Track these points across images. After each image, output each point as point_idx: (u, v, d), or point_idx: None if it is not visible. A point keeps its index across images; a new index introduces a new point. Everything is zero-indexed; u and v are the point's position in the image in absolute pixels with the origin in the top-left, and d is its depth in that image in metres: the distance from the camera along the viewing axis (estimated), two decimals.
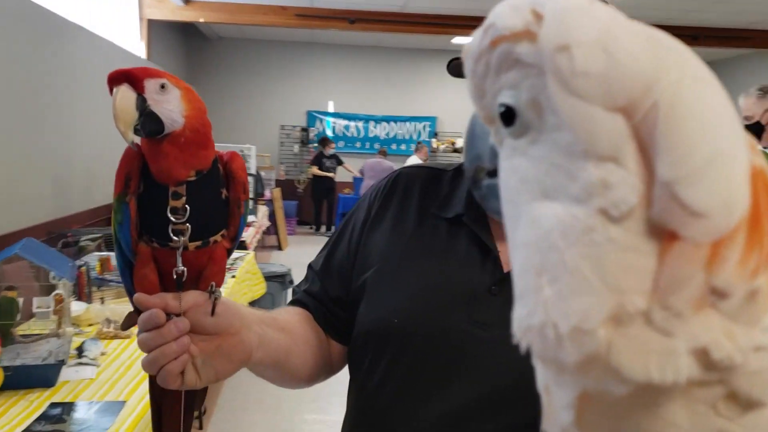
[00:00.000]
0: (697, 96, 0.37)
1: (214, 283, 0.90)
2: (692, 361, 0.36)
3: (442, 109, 13.23)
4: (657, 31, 0.40)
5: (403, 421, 0.94)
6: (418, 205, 1.07)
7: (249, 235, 6.30)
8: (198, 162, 0.86)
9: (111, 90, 0.84)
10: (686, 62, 0.38)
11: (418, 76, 13.11)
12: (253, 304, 4.65)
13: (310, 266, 1.16)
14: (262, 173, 10.70)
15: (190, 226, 0.86)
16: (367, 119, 13.27)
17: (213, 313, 0.88)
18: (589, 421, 0.40)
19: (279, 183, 12.19)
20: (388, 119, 13.27)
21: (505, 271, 0.96)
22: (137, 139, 0.85)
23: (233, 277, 4.02)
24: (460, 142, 12.92)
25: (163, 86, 0.84)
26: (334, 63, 13.10)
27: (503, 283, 0.95)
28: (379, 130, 13.34)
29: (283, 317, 1.06)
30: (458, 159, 12.96)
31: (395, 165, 11.33)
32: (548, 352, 0.39)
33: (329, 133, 13.22)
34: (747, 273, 0.36)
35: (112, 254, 3.30)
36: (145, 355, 0.85)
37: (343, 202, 11.89)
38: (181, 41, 11.71)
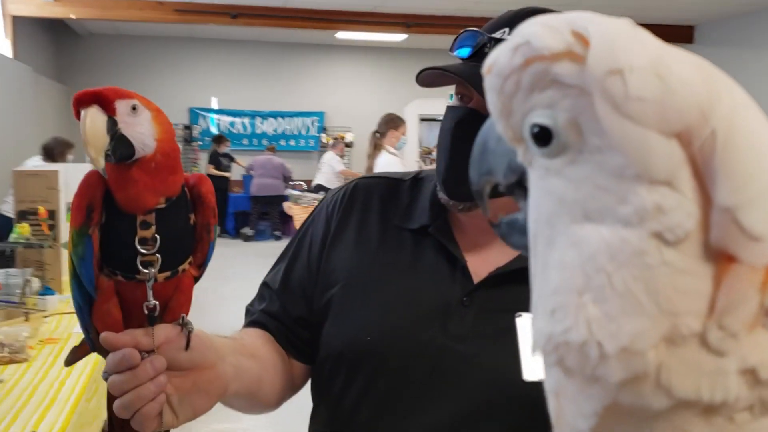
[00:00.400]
0: (751, 125, 0.38)
1: (184, 315, 0.85)
2: (741, 381, 0.37)
3: (329, 104, 13.20)
4: (699, 58, 0.41)
5: None
6: (379, 218, 1.05)
7: None
8: (168, 188, 0.81)
9: (76, 113, 0.77)
10: (734, 90, 0.40)
11: (305, 70, 13.01)
12: None
13: (265, 284, 1.11)
14: None
15: (160, 257, 0.81)
16: (253, 115, 13.03)
17: (187, 347, 0.83)
18: (607, 429, 0.41)
19: None
20: (275, 115, 13.09)
21: (476, 282, 0.96)
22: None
23: None
24: (349, 137, 12.94)
25: (134, 108, 0.79)
26: (216, 58, 12.76)
27: (474, 293, 0.95)
28: (267, 126, 13.14)
29: (249, 342, 1.02)
30: (347, 153, 13.01)
31: (286, 161, 11.23)
32: (587, 368, 0.40)
33: (213, 130, 12.87)
34: None
35: (1, 271, 3.07)
36: (117, 397, 0.78)
37: (233, 202, 11.63)
38: (50, 38, 10.99)
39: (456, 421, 0.90)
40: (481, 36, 0.93)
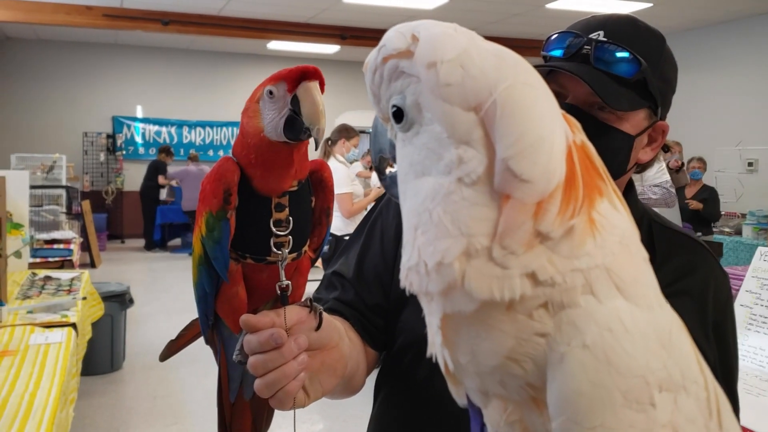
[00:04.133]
0: (525, 96, 0.51)
1: (311, 297, 0.87)
2: (524, 283, 0.49)
3: None
4: (504, 48, 0.54)
5: None
6: None
7: (74, 253, 5.81)
8: (301, 171, 0.83)
9: (293, 83, 0.78)
10: (520, 72, 0.52)
11: (235, 80, 12.84)
12: (95, 324, 4.33)
13: (334, 273, 1.13)
14: (69, 185, 9.90)
15: (291, 239, 0.82)
16: (180, 124, 12.76)
17: (319, 327, 0.85)
18: (451, 340, 0.53)
19: (85, 195, 11.31)
20: (203, 124, 12.86)
21: None
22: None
23: (84, 298, 3.72)
24: None
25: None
26: (142, 66, 12.42)
27: None
28: (194, 136, 12.89)
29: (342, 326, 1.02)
30: None
31: None
32: (422, 284, 0.52)
33: (139, 139, 12.53)
34: (565, 219, 0.49)
35: None
36: (258, 378, 0.80)
37: (161, 213, 11.31)
38: None
39: None
40: (575, 38, 1.00)
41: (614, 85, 0.96)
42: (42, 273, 4.49)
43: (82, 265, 9.30)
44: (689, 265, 1.03)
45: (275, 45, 11.30)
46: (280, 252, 0.82)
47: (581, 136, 0.54)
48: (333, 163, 4.98)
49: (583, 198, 0.50)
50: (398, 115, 0.55)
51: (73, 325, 3.26)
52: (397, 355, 1.07)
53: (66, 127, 11.95)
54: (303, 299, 0.87)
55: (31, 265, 4.92)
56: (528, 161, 0.48)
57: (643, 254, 0.54)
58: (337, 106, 12.52)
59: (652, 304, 0.51)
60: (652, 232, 1.05)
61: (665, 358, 0.49)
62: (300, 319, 0.84)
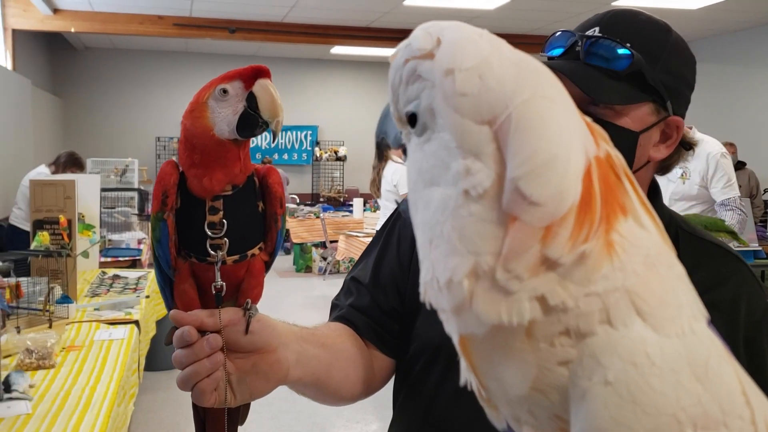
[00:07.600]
0: (541, 111, 0.47)
1: (249, 301, 0.89)
2: (534, 307, 0.45)
3: (323, 118, 13.26)
4: (528, 57, 0.50)
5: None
6: None
7: (143, 253, 6.05)
8: (241, 176, 0.86)
9: (249, 81, 0.83)
10: (540, 83, 0.48)
11: (299, 84, 13.08)
12: (159, 322, 4.50)
13: (352, 278, 1.14)
14: (141, 188, 10.28)
15: (227, 241, 0.86)
16: None
17: (247, 331, 0.86)
18: (475, 365, 0.50)
19: None
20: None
21: None
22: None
23: (147, 297, 3.88)
24: (342, 150, 13.03)
25: None
26: (211, 72, 12.58)
27: None
28: (260, 140, 13.17)
29: (322, 332, 1.03)
30: (339, 167, 13.06)
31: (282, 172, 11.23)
32: (438, 301, 0.50)
33: None
34: (577, 244, 0.45)
35: (24, 279, 3.09)
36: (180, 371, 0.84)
37: None
38: (46, 52, 11.00)
39: None
40: (573, 35, 0.99)
41: (604, 80, 0.93)
42: (111, 272, 4.71)
43: (152, 265, 9.65)
44: (718, 277, 0.98)
45: (338, 50, 11.44)
46: (215, 253, 0.86)
47: (607, 147, 0.50)
48: (393, 166, 4.98)
49: (600, 220, 0.46)
50: (412, 118, 0.53)
51: (136, 323, 3.41)
52: (410, 362, 1.07)
53: (140, 132, 12.42)
54: (246, 303, 0.89)
55: (102, 264, 5.16)
56: (539, 182, 0.44)
57: (677, 271, 0.49)
58: None
59: (683, 330, 0.47)
60: (678, 240, 1.01)
61: (700, 393, 0.45)
62: (232, 320, 0.86)
